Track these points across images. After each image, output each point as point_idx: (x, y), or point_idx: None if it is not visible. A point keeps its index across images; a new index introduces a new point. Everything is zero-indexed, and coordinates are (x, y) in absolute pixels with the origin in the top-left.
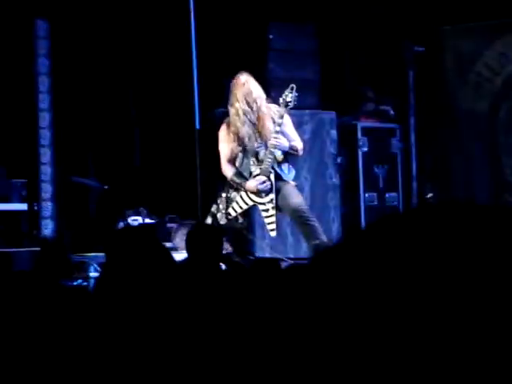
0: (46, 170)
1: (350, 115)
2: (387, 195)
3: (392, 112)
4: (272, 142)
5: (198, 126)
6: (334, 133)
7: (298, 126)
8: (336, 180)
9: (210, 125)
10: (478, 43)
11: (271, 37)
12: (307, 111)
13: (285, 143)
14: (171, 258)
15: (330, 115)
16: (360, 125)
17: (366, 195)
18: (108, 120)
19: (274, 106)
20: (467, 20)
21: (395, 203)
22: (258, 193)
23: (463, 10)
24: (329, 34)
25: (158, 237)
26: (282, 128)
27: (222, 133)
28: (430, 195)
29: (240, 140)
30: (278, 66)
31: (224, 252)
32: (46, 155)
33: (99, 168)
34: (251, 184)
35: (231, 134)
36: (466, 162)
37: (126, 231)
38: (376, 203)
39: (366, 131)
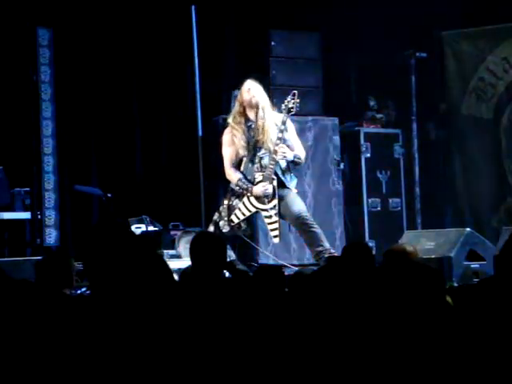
0: (50, 179)
1: (353, 121)
2: (390, 200)
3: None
4: (277, 155)
5: (200, 134)
6: (336, 139)
7: (301, 132)
8: (339, 186)
9: (212, 132)
10: (481, 48)
11: (273, 43)
12: (310, 118)
13: (289, 155)
14: (168, 268)
15: (332, 121)
16: (363, 130)
17: (370, 201)
18: (111, 128)
19: (276, 113)
20: (469, 25)
21: (398, 208)
22: (261, 199)
23: (465, 16)
24: (331, 40)
25: (160, 244)
26: (284, 135)
27: (226, 137)
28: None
29: (243, 145)
30: (280, 72)
31: (227, 259)
32: (49, 164)
33: (102, 176)
34: (258, 189)
35: (235, 139)
36: (470, 167)
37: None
38: (379, 209)
39: (369, 137)
